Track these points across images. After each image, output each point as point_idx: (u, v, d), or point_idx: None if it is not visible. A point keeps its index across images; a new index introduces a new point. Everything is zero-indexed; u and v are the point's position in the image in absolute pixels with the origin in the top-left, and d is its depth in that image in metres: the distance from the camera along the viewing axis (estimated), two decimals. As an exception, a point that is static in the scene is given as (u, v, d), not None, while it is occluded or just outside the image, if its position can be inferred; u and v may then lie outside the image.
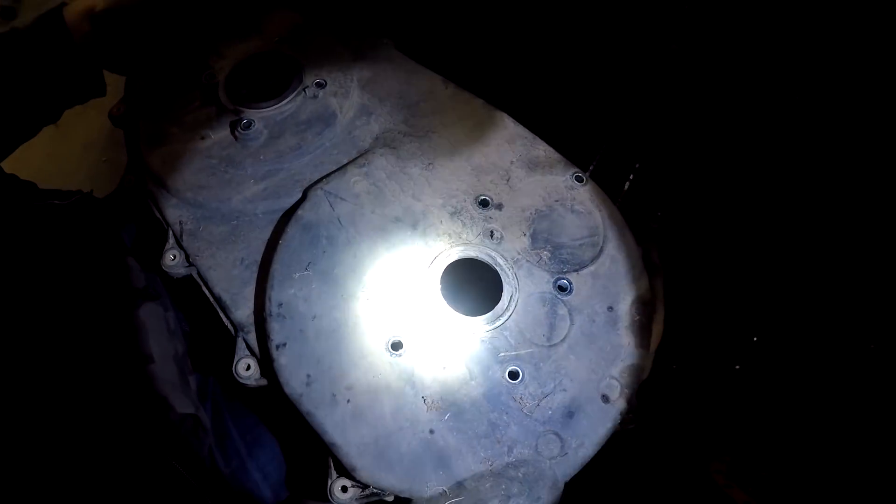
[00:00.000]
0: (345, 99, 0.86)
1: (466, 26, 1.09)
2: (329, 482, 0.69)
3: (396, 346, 0.71)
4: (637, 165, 0.94)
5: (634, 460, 0.87)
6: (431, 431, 0.68)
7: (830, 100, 0.81)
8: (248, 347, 0.74)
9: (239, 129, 0.81)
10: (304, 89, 0.85)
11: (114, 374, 0.77)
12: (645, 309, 0.78)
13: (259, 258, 0.78)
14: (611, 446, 0.75)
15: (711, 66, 0.90)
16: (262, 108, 0.84)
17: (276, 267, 0.74)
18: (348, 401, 0.69)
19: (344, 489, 0.68)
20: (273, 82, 0.87)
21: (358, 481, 0.67)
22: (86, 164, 1.16)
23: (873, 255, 0.79)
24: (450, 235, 0.79)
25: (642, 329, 0.77)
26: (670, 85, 0.95)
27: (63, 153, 1.26)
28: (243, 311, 0.75)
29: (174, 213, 0.80)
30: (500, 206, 0.81)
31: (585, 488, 0.76)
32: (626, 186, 0.93)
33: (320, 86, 0.86)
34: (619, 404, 0.73)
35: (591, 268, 0.79)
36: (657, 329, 0.81)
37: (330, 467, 0.69)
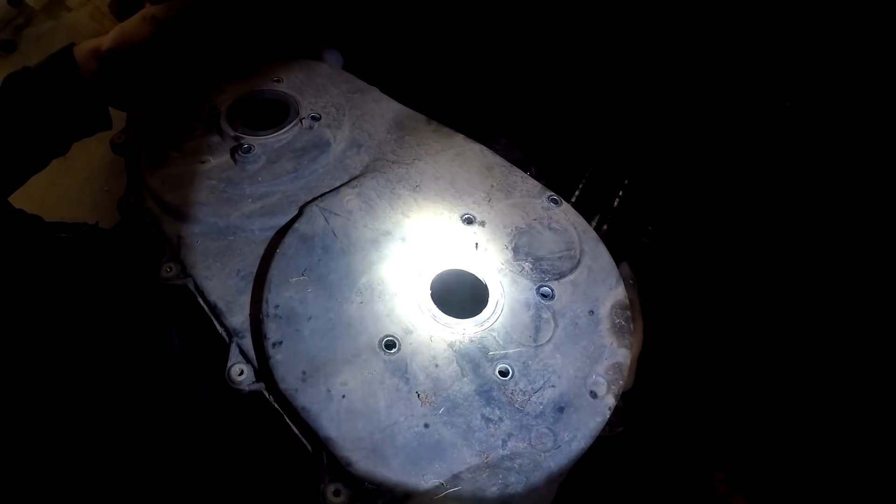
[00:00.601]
0: (338, 130, 0.94)
1: (449, 53, 1.18)
2: (322, 486, 0.68)
3: (390, 345, 0.74)
4: (626, 182, 1.01)
5: (635, 470, 0.87)
6: (426, 426, 0.69)
7: (822, 113, 0.89)
8: (242, 353, 0.75)
9: (239, 152, 0.87)
10: (300, 120, 0.93)
11: (127, 399, 0.79)
12: (623, 313, 0.83)
13: (254, 270, 0.81)
14: (608, 454, 0.76)
15: (700, 80, 0.98)
16: (261, 136, 0.91)
17: (274, 272, 0.78)
18: (343, 396, 0.70)
19: (336, 493, 0.67)
20: (270, 116, 0.94)
21: (353, 477, 0.67)
22: (89, 195, 1.19)
23: (870, 262, 0.85)
24: (437, 247, 0.84)
25: (623, 331, 0.81)
26: (659, 98, 1.03)
27: (66, 184, 1.28)
28: (238, 318, 0.77)
29: (172, 227, 0.83)
30: (482, 224, 0.88)
31: (585, 499, 0.76)
32: (616, 203, 1.00)
33: (315, 119, 0.94)
34: (607, 400, 0.75)
35: (571, 276, 0.84)
36: (636, 339, 0.86)
37: (323, 470, 0.69)
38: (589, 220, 0.94)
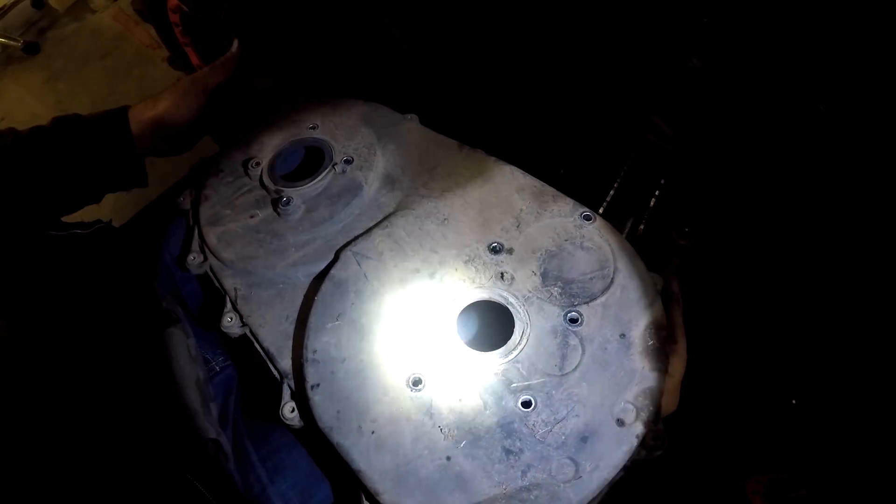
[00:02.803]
0: (369, 171, 1.05)
1: (483, 57, 1.23)
2: (359, 511, 0.81)
3: (416, 382, 0.84)
4: (662, 181, 1.02)
5: (665, 480, 0.89)
6: (448, 458, 0.79)
7: (862, 112, 0.86)
8: (292, 392, 0.90)
9: (280, 205, 1.02)
10: (333, 166, 1.06)
11: (139, 398, 0.87)
12: (658, 333, 0.85)
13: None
14: (639, 468, 0.80)
15: (734, 82, 0.97)
16: (299, 187, 1.04)
17: (312, 320, 0.91)
18: (373, 432, 0.82)
19: (372, 517, 0.80)
20: (308, 163, 1.08)
21: (383, 507, 0.79)
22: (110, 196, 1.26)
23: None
24: (464, 281, 0.92)
25: (656, 353, 0.84)
26: (692, 101, 1.03)
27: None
28: (287, 361, 0.92)
29: (230, 281, 1.00)
30: (510, 251, 0.94)
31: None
32: (652, 203, 1.01)
33: (348, 162, 1.06)
34: (635, 427, 0.79)
35: (602, 298, 0.88)
36: (680, 360, 0.87)
37: (360, 499, 0.81)
38: (623, 224, 0.95)
